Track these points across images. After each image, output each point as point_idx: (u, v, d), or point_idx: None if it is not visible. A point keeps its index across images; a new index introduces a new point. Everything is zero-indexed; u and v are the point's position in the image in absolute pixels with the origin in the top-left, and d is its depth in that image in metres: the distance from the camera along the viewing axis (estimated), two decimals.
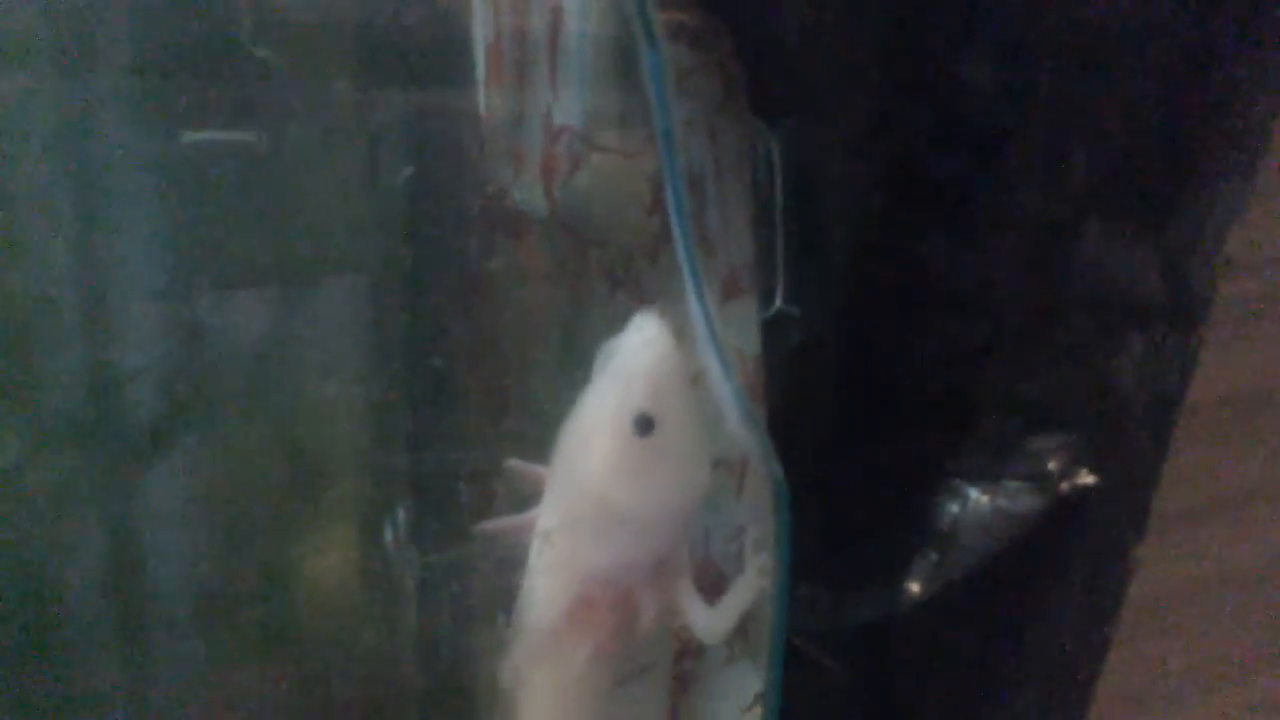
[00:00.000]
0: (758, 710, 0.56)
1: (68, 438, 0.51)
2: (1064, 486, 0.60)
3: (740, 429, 0.47)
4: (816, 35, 0.54)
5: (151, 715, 0.54)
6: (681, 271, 0.46)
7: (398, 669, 0.57)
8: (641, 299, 0.53)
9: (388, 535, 0.55)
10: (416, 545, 0.55)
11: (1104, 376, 0.60)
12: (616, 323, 0.48)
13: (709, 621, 0.51)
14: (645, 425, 0.46)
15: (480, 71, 0.53)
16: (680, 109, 0.46)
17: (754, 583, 0.51)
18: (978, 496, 0.60)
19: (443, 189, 0.54)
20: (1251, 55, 0.57)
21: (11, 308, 0.49)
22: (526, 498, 0.51)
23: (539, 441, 0.50)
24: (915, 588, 0.61)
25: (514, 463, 0.52)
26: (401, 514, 0.55)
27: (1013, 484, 0.60)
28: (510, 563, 0.50)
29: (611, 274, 0.55)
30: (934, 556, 0.60)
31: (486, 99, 0.53)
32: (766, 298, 0.58)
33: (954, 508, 0.60)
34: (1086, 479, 0.60)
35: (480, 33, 0.53)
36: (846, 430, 0.60)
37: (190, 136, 0.49)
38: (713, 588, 0.52)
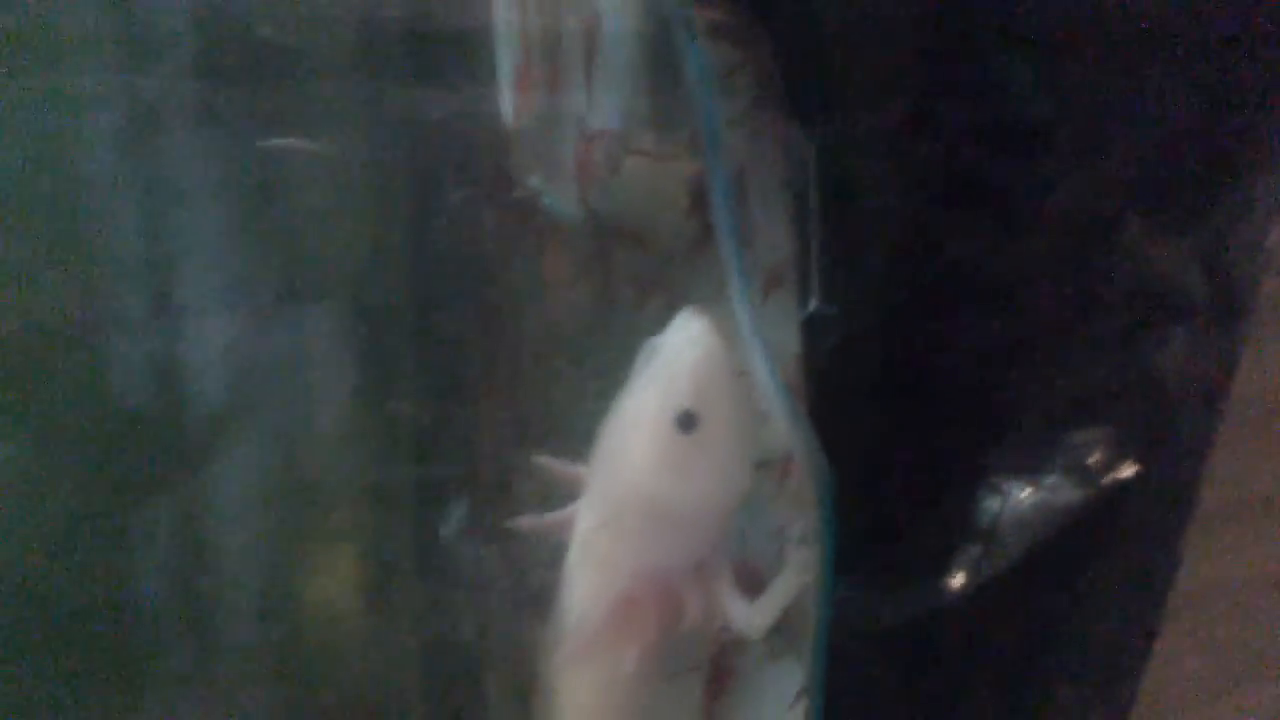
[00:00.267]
0: (800, 707, 0.56)
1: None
2: (1106, 481, 0.60)
3: (784, 424, 0.47)
4: (852, 32, 0.54)
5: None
6: (718, 273, 0.46)
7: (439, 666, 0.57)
8: (674, 302, 0.52)
9: (441, 531, 0.55)
10: (465, 542, 0.56)
11: (1146, 372, 0.60)
12: (644, 328, 0.48)
13: (750, 617, 0.50)
14: (688, 422, 0.46)
15: (506, 78, 0.53)
16: (723, 107, 0.46)
17: (795, 578, 0.51)
18: (1019, 492, 0.60)
19: (472, 196, 0.54)
20: None
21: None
22: (549, 497, 0.51)
23: (564, 448, 0.50)
24: (956, 584, 0.60)
25: (544, 459, 0.52)
26: (455, 508, 0.55)
27: (1054, 479, 0.60)
28: (545, 562, 0.50)
29: (639, 279, 0.55)
30: (975, 552, 0.60)
31: (514, 105, 0.53)
32: (804, 296, 0.58)
33: (995, 504, 0.60)
34: (1129, 470, 0.59)
35: (505, 41, 0.53)
36: (886, 428, 0.60)
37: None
38: (750, 587, 0.52)
